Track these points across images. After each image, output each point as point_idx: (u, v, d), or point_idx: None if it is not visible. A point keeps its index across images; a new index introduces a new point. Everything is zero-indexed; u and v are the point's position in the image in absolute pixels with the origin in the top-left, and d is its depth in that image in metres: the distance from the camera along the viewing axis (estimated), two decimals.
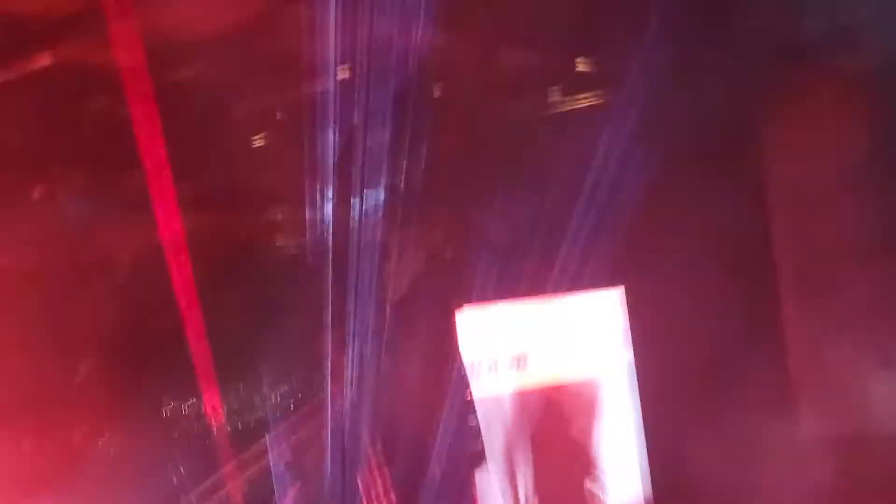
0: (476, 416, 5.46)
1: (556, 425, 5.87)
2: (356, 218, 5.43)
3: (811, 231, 6.07)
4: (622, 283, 5.94)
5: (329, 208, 5.38)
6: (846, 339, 5.86)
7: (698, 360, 6.05)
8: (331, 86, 5.21)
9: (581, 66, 5.69)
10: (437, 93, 5.36)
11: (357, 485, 5.45)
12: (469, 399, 5.45)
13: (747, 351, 5.89)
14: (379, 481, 5.49)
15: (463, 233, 5.62)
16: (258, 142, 5.23)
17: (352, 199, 5.34)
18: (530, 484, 5.78)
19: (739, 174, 6.12)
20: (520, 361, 5.61)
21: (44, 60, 4.86)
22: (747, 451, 5.82)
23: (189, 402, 5.44)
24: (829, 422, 5.88)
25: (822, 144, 5.90)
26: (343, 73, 5.15)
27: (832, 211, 5.99)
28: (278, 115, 5.24)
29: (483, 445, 5.47)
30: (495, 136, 5.49)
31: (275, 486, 5.49)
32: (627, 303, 5.93)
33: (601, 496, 5.94)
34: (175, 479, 5.38)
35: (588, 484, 5.94)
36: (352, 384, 5.35)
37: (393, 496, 5.45)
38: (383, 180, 5.34)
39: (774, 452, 5.75)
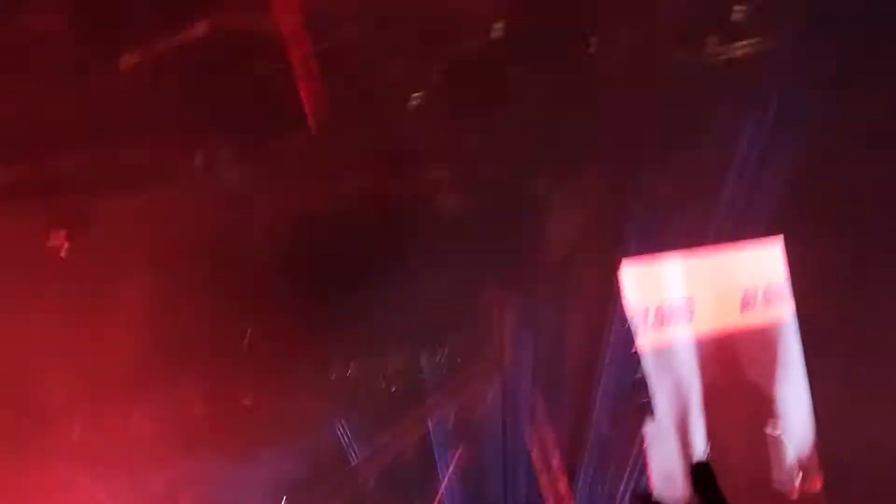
0: (643, 369, 5.43)
1: (727, 374, 5.84)
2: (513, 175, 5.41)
3: None
4: (782, 233, 5.81)
5: (485, 166, 5.36)
6: None
7: (857, 309, 5.97)
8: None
9: (737, 14, 5.49)
10: (593, 48, 5.26)
11: (522, 444, 5.43)
12: (635, 352, 5.41)
13: None
14: (545, 439, 5.48)
15: (624, 187, 5.52)
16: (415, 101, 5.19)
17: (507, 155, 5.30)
18: (703, 432, 5.78)
19: None
20: (685, 312, 5.54)
21: (203, 28, 4.90)
22: None
23: (355, 364, 5.51)
24: None
25: None
26: (497, 32, 5.10)
27: None
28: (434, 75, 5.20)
29: (651, 397, 5.43)
30: (654, 90, 5.35)
31: (435, 449, 5.54)
32: (787, 252, 5.82)
33: (783, 440, 5.94)
34: (341, 438, 5.49)
35: (769, 429, 5.87)
36: (515, 342, 5.33)
37: (559, 454, 5.42)
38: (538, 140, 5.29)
39: None
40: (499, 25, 5.27)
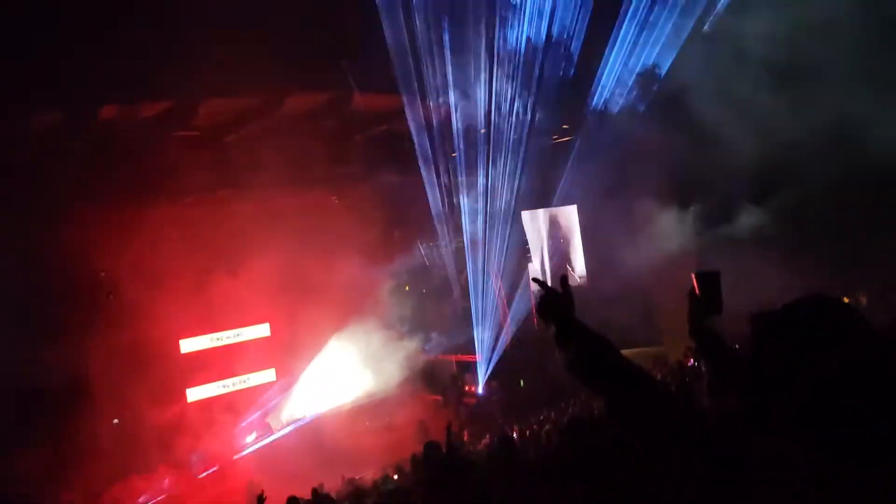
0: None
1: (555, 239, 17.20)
2: None
3: None
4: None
5: None
6: None
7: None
8: None
9: None
10: None
11: None
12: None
13: None
14: None
15: None
16: None
17: None
18: (548, 266, 17.55)
19: None
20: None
21: None
22: None
23: None
24: None
25: None
26: None
27: None
28: None
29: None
30: None
31: None
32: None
33: (575, 276, 17.23)
34: None
35: (567, 269, 17.06)
36: None
37: None
38: None
39: None
40: None
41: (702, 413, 1.54)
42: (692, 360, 11.09)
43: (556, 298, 1.83)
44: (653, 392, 1.56)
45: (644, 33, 13.99)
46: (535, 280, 1.90)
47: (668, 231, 15.61)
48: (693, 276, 2.28)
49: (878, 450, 1.26)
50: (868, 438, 1.28)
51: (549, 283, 1.84)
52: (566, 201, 18.49)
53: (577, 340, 1.72)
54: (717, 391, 2.23)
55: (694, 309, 2.29)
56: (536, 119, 15.94)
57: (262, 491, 8.06)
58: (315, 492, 8.98)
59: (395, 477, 10.00)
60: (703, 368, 2.39)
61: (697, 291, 2.26)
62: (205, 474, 14.33)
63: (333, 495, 9.07)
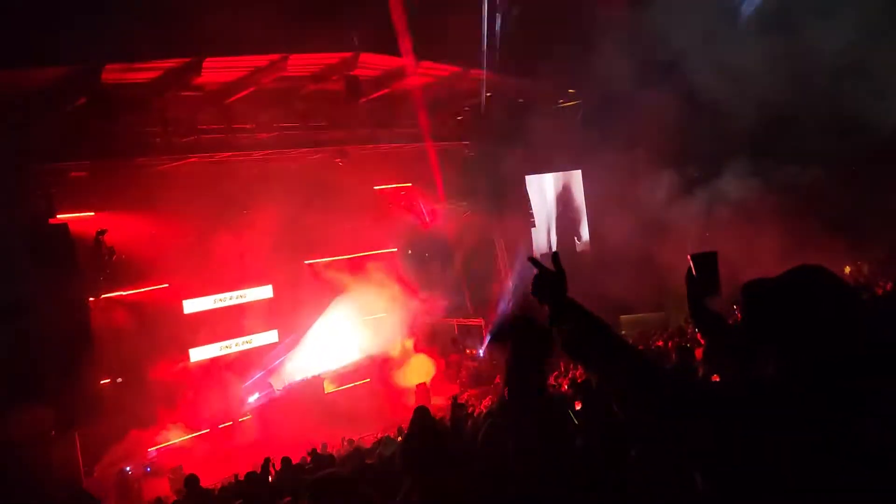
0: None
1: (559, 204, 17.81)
2: None
3: None
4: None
5: None
6: None
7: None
8: None
9: None
10: None
11: None
12: None
13: None
14: None
15: None
16: None
17: None
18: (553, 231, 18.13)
19: None
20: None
21: None
22: None
23: None
24: None
25: None
26: None
27: None
28: None
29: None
30: None
31: None
32: None
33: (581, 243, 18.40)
34: None
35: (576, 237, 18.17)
36: None
37: None
38: None
39: None
40: None
41: (696, 385, 1.55)
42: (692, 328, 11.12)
43: (550, 278, 1.81)
44: (646, 370, 1.56)
45: None
46: (529, 259, 1.87)
47: (671, 196, 15.63)
48: (689, 257, 2.23)
49: (871, 418, 1.29)
50: (859, 408, 1.30)
51: (554, 249, 1.83)
52: (571, 166, 18.49)
53: (571, 320, 1.72)
54: (713, 362, 2.24)
55: (692, 291, 2.24)
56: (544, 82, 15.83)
57: (268, 457, 8.17)
58: (315, 452, 9.11)
59: (397, 438, 10.11)
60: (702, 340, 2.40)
61: (695, 273, 2.19)
62: (207, 432, 14.50)
63: (335, 455, 9.20)
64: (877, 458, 1.26)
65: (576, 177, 18.94)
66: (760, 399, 1.39)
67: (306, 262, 14.82)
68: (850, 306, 1.39)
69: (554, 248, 18.84)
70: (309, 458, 9.14)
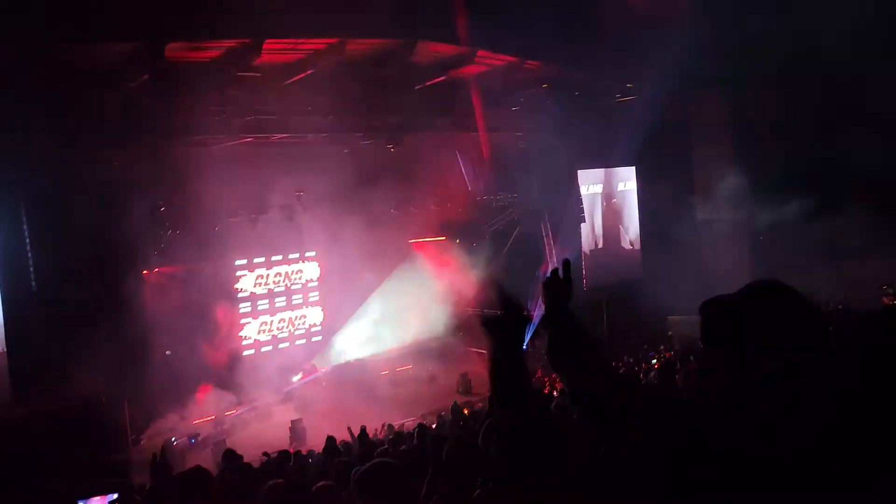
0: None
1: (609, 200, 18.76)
2: None
3: None
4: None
5: None
6: None
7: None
8: None
9: None
10: None
11: None
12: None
13: None
14: None
15: None
16: None
17: None
18: (599, 227, 18.46)
19: None
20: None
21: None
22: None
23: None
24: None
25: None
26: None
27: None
28: None
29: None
30: None
31: None
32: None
33: (629, 241, 18.71)
34: None
35: (624, 236, 18.81)
36: None
37: None
38: None
39: None
40: None
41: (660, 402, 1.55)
42: None
43: (556, 283, 1.79)
44: (613, 386, 1.58)
45: None
46: (564, 261, 1.86)
47: (728, 204, 15.30)
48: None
49: (833, 434, 1.30)
50: (822, 425, 1.31)
51: (599, 245, 1.80)
52: (625, 162, 18.15)
53: (556, 328, 1.73)
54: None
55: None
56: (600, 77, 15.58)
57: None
58: (364, 432, 9.20)
59: (434, 426, 10.13)
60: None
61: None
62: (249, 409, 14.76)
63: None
64: (847, 468, 1.27)
65: (628, 173, 18.68)
66: (723, 413, 1.40)
67: (355, 245, 14.96)
68: (808, 317, 1.40)
69: (600, 245, 18.51)
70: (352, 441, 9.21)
